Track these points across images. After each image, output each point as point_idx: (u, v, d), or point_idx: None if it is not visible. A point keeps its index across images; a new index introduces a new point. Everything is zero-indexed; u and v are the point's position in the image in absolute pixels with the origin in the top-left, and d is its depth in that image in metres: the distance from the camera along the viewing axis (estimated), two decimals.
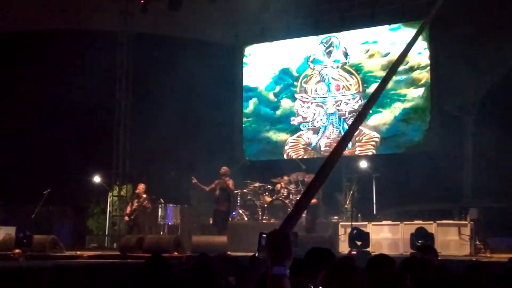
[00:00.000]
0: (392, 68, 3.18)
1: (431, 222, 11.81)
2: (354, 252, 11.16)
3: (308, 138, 16.54)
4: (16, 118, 16.38)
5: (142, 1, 16.97)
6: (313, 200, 12.76)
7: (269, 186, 14.49)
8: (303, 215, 12.53)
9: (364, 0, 15.93)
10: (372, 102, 3.03)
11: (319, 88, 16.58)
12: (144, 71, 17.15)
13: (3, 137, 15.86)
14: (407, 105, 15.42)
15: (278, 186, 14.31)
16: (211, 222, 13.86)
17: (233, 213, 14.43)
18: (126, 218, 14.00)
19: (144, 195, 13.70)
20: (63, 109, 16.19)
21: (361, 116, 2.90)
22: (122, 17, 17.41)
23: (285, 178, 14.35)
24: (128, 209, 13.91)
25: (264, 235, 2.41)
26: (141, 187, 13.87)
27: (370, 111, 16.42)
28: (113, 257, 11.92)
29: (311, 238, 11.40)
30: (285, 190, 14.09)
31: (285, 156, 16.74)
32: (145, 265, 4.58)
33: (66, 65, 16.49)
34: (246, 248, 11.29)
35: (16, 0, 15.98)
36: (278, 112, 17.06)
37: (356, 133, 15.59)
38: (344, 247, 12.01)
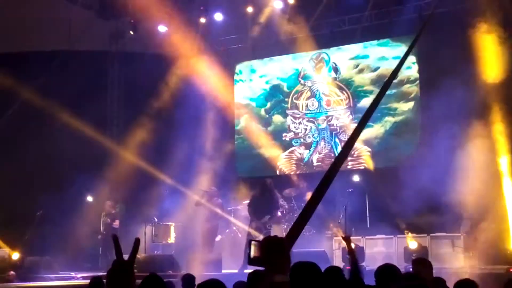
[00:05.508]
0: (383, 88, 3.25)
1: (425, 235, 11.84)
2: (348, 267, 11.14)
3: (300, 154, 16.60)
4: (7, 136, 16.31)
5: (132, 21, 17.08)
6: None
7: None
8: None
9: (352, 16, 16.08)
10: (366, 120, 3.10)
11: (310, 103, 16.67)
12: (135, 90, 17.18)
13: None
14: (398, 118, 15.53)
15: None
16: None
17: (227, 230, 14.43)
18: (99, 236, 14.19)
19: (113, 211, 13.80)
20: (53, 128, 16.15)
21: (355, 135, 2.97)
22: (112, 37, 17.50)
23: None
24: (101, 228, 14.12)
25: (254, 242, 2.33)
26: (107, 203, 14.00)
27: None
28: None
29: (305, 253, 11.39)
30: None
31: (277, 172, 16.78)
32: (142, 285, 4.57)
33: (57, 86, 16.48)
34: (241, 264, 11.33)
35: (3, 21, 15.98)
36: (270, 129, 17.12)
37: None
38: (338, 262, 12.01)
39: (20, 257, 12.54)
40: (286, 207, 14.00)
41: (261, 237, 11.80)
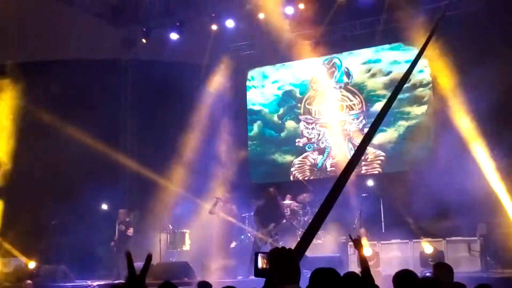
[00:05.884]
0: (396, 90, 3.24)
1: (440, 239, 11.76)
2: None
3: (313, 159, 16.57)
4: (20, 147, 16.39)
5: (144, 29, 17.15)
6: None
7: None
8: None
9: (364, 21, 16.06)
10: (378, 125, 3.09)
11: (323, 109, 16.64)
12: (147, 98, 17.22)
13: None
14: (411, 122, 15.47)
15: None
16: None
17: (242, 236, 14.41)
18: (113, 244, 14.12)
19: (127, 219, 13.76)
20: (66, 138, 16.23)
21: (366, 140, 2.97)
22: (124, 45, 17.56)
23: (288, 196, 14.30)
24: (116, 236, 14.07)
25: (262, 254, 2.33)
26: (121, 212, 13.95)
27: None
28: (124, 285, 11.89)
29: (321, 259, 11.36)
30: (291, 211, 14.04)
31: (291, 178, 16.76)
32: None
33: (69, 95, 16.55)
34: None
35: (16, 31, 16.08)
36: (283, 134, 17.12)
37: None
38: (354, 267, 11.94)
39: (37, 266, 12.60)
40: (301, 212, 13.97)
41: (268, 244, 11.79)
